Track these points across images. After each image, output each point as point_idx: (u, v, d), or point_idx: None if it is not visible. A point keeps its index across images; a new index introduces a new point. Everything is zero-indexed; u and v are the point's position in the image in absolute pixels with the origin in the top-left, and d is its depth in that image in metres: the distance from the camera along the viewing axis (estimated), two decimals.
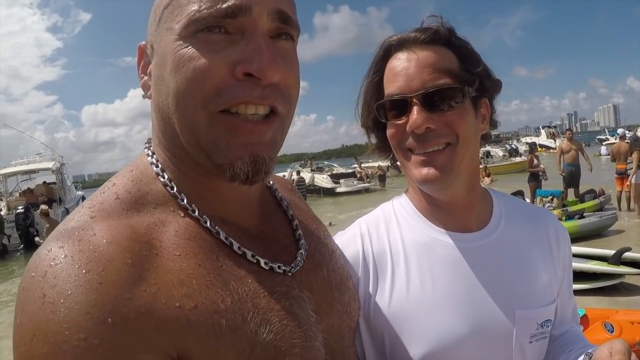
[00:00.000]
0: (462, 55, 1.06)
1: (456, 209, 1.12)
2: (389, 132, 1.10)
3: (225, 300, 0.67)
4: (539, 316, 1.07)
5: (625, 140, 11.82)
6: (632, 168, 11.21)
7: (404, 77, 1.04)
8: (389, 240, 1.13)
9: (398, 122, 1.06)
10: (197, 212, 0.75)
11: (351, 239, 1.15)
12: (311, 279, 0.85)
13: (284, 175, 26.59)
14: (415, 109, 1.01)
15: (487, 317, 1.03)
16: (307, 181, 26.94)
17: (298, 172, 27.79)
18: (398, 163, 1.17)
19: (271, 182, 0.98)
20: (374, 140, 1.21)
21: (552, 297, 1.12)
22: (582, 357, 1.00)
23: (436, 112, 1.01)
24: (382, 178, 18.05)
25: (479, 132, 1.10)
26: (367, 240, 1.14)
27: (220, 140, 0.70)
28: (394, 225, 1.16)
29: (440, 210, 1.13)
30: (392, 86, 1.06)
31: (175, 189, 0.76)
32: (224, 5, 0.67)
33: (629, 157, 11.61)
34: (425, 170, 1.03)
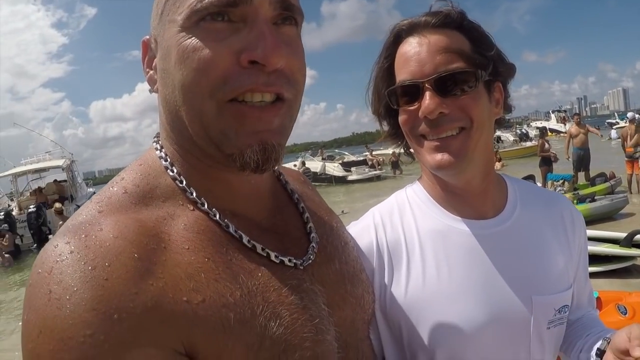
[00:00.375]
0: (474, 39, 1.04)
1: (471, 196, 1.10)
2: (401, 118, 1.08)
3: (234, 294, 0.67)
4: (557, 302, 1.06)
5: (635, 124, 11.71)
6: (639, 152, 11.11)
7: (416, 62, 1.02)
8: (404, 229, 1.12)
9: (410, 108, 1.04)
10: (206, 206, 0.74)
11: (365, 229, 1.14)
12: (323, 272, 0.84)
13: (295, 165, 26.59)
14: (427, 94, 0.99)
15: (505, 304, 1.02)
16: (318, 170, 26.94)
17: (303, 163, 27.68)
18: (411, 150, 1.16)
19: (282, 175, 0.98)
20: (385, 127, 1.19)
21: (568, 282, 1.11)
22: (600, 342, 0.99)
23: (449, 97, 0.99)
24: (395, 165, 17.91)
25: (493, 116, 1.08)
26: (381, 230, 1.12)
27: (229, 130, 0.70)
28: (408, 213, 1.14)
29: (455, 197, 1.12)
30: (403, 72, 1.04)
31: (184, 182, 0.76)
32: None
33: (629, 140, 11.51)
34: (439, 156, 1.02)
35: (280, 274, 0.75)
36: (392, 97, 1.08)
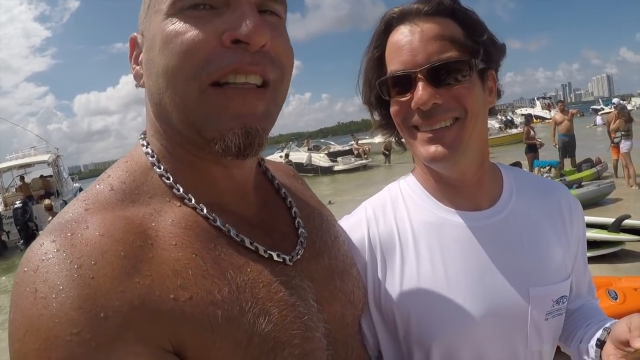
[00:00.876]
0: (467, 26, 1.01)
1: (466, 186, 1.08)
2: (393, 109, 1.05)
3: (222, 291, 0.67)
4: (554, 293, 1.04)
5: (617, 109, 11.89)
6: (618, 137, 11.25)
7: (408, 52, 0.98)
8: (397, 222, 1.10)
9: (402, 98, 1.01)
10: (193, 201, 0.74)
11: (357, 223, 1.12)
12: (312, 268, 0.84)
13: (280, 156, 26.49)
14: (420, 84, 0.96)
15: (502, 297, 1.01)
16: (304, 161, 26.89)
17: (287, 155, 27.38)
18: (403, 140, 1.13)
19: (268, 170, 0.97)
20: (377, 117, 1.16)
21: (566, 272, 1.09)
22: (600, 331, 0.98)
23: (443, 87, 0.96)
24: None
25: (487, 105, 1.06)
26: (374, 224, 1.10)
27: (210, 114, 0.69)
28: (401, 206, 1.12)
29: (449, 188, 1.09)
30: (395, 61, 1.01)
31: (171, 179, 0.75)
32: None
33: (612, 125, 11.64)
34: (432, 148, 0.99)
35: (269, 269, 0.75)
36: (383, 88, 1.05)
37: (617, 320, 0.97)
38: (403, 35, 1.00)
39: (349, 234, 1.07)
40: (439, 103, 0.96)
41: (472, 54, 0.98)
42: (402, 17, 1.02)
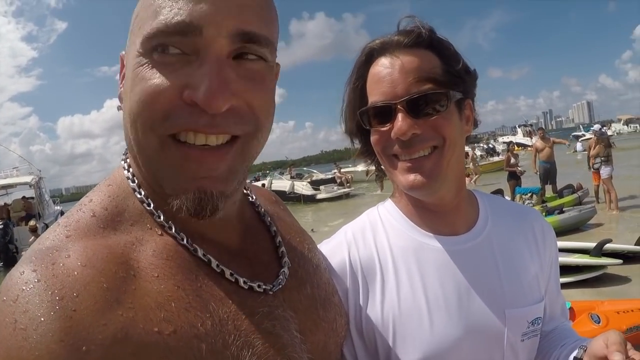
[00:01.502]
0: (445, 57, 1.05)
1: (444, 212, 1.11)
2: (373, 138, 1.08)
3: (205, 324, 0.65)
4: (529, 314, 1.07)
5: (596, 135, 12.11)
6: (597, 163, 11.43)
7: (388, 83, 1.02)
8: (377, 246, 1.11)
9: (382, 128, 1.05)
10: (174, 229, 0.72)
11: (337, 246, 1.13)
12: (294, 298, 0.82)
13: (263, 184, 26.47)
14: (400, 115, 1.00)
15: (479, 319, 1.02)
16: (287, 189, 26.73)
17: (269, 183, 27.12)
18: (382, 167, 1.15)
19: (253, 197, 0.95)
20: (357, 145, 1.19)
21: (540, 294, 1.12)
22: (577, 350, 1.00)
23: (421, 118, 1.00)
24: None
25: (464, 133, 1.10)
26: (354, 248, 1.11)
27: (167, 170, 0.67)
28: (380, 231, 1.14)
29: (427, 213, 1.12)
30: (376, 93, 1.05)
31: (152, 205, 0.73)
32: (173, 21, 0.63)
33: (592, 151, 11.82)
34: (412, 177, 1.02)
35: (251, 300, 0.73)
36: (364, 118, 1.08)
37: (592, 338, 0.98)
38: (384, 67, 1.04)
39: (329, 258, 1.08)
40: (417, 133, 1.00)
41: (450, 86, 1.02)
42: (383, 49, 1.06)
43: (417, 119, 1.00)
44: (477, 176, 21.22)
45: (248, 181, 0.93)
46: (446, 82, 1.02)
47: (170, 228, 0.72)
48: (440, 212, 1.11)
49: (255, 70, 0.69)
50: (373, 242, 1.12)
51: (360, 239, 1.13)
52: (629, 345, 0.88)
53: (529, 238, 1.16)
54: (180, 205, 0.66)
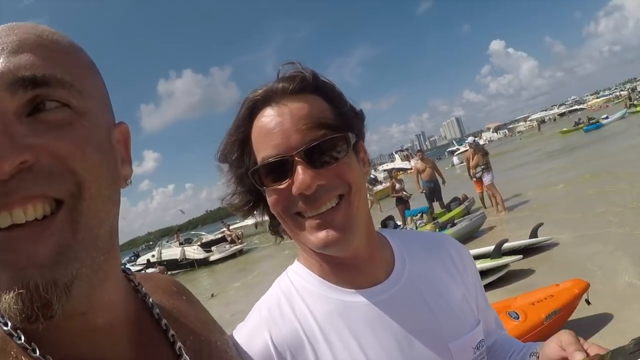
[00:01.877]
0: (332, 100, 0.99)
1: (360, 263, 1.03)
2: (271, 199, 0.97)
3: None
4: (472, 340, 1.04)
5: (472, 147, 12.92)
6: (479, 172, 12.32)
7: (280, 135, 0.92)
8: (298, 318, 0.99)
9: (280, 186, 0.94)
10: (38, 353, 0.56)
11: (254, 329, 0.99)
12: None
13: (153, 255, 25.75)
14: (299, 168, 0.90)
15: None
16: (178, 256, 25.99)
17: (157, 261, 26.20)
18: (281, 226, 1.06)
19: (146, 293, 0.80)
20: (240, 202, 1.06)
21: (475, 317, 1.10)
22: (529, 358, 0.98)
23: (323, 167, 0.92)
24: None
25: (364, 177, 1.03)
26: (274, 327, 0.98)
27: None
28: (297, 300, 1.02)
29: (343, 269, 1.03)
30: (266, 147, 0.94)
31: (9, 324, 0.56)
32: None
33: (472, 162, 12.66)
34: (323, 234, 0.93)
35: None
36: (255, 177, 0.97)
37: (540, 343, 0.97)
38: (271, 117, 0.94)
39: (249, 344, 0.96)
40: (322, 184, 0.91)
41: (344, 129, 0.96)
42: (267, 99, 0.96)
43: (318, 169, 0.91)
44: (377, 205, 22.10)
45: (136, 269, 0.79)
46: (340, 125, 0.95)
47: (34, 351, 0.56)
48: (357, 264, 1.03)
49: (58, 118, 0.56)
50: (292, 314, 1.00)
51: (277, 315, 1.00)
52: (582, 340, 0.87)
53: (448, 265, 1.14)
54: (8, 310, 0.50)
